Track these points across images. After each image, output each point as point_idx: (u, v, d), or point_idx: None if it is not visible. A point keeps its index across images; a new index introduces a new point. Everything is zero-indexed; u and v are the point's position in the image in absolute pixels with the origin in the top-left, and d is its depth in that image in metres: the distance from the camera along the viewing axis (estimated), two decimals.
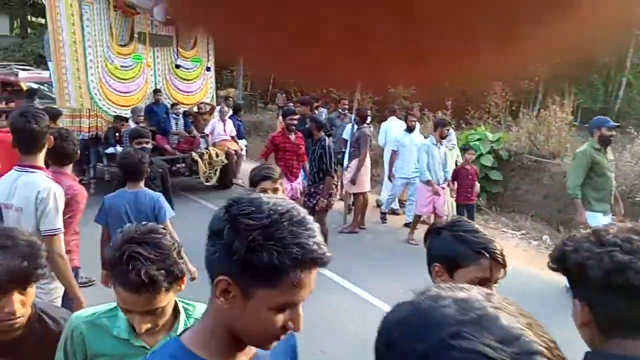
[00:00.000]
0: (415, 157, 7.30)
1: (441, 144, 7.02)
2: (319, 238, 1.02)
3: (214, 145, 9.29)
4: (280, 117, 11.05)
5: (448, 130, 7.17)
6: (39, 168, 2.93)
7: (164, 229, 1.64)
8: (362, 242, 7.20)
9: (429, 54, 0.36)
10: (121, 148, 7.92)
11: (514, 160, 9.50)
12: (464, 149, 7.38)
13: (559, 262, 1.29)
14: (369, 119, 7.94)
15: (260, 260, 0.96)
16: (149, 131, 5.52)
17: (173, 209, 4.11)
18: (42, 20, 24.55)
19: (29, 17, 25.54)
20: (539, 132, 9.75)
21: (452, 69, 0.38)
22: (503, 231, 8.02)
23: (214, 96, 10.48)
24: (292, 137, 6.43)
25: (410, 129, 7.80)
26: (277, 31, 0.35)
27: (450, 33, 0.34)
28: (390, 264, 6.15)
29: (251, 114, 18.90)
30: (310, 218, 1.03)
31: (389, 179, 8.07)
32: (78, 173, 9.38)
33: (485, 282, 1.54)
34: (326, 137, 6.34)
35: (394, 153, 7.89)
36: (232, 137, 9.59)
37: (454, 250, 1.61)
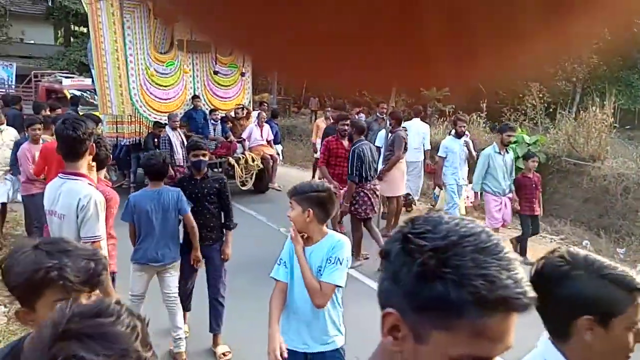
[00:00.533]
0: (465, 163, 7.36)
1: (506, 152, 6.69)
2: (519, 274, 0.78)
3: (250, 150, 9.37)
4: (317, 121, 11.11)
5: (510, 136, 6.70)
6: (82, 175, 2.95)
7: (117, 303, 1.05)
8: None
9: (470, 51, 0.34)
10: None
11: (552, 164, 9.27)
12: (526, 157, 7.02)
13: None
14: (403, 122, 7.90)
15: (432, 291, 0.76)
16: (206, 143, 5.26)
17: (233, 224, 4.33)
18: (85, 29, 25.28)
19: (72, 27, 26.33)
20: (578, 134, 9.49)
21: (492, 67, 0.36)
22: (542, 236, 7.81)
23: (251, 101, 10.58)
24: (345, 143, 6.47)
25: (459, 135, 7.45)
26: (306, 36, 0.34)
27: (490, 28, 0.33)
28: None
29: (285, 118, 19.03)
30: (507, 248, 0.80)
31: (439, 187, 7.81)
32: (120, 178, 9.64)
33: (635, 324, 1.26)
34: (362, 142, 6.17)
35: (442, 160, 7.53)
36: (269, 142, 9.65)
37: (607, 295, 1.24)
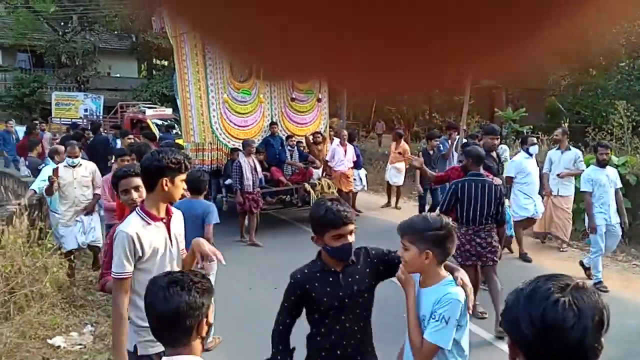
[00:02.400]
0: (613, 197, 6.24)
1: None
2: None
3: (333, 172, 9.11)
4: (393, 144, 10.80)
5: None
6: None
7: None
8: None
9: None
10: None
11: None
12: None
13: None
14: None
15: None
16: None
17: None
18: (165, 63, 26.47)
19: (154, 61, 27.61)
20: None
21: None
22: (634, 264, 7.07)
23: (327, 127, 10.40)
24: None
25: (602, 163, 6.25)
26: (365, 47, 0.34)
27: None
28: None
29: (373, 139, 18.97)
30: None
31: (593, 231, 6.21)
32: None
33: None
34: (474, 178, 4.95)
35: (589, 195, 6.23)
36: (354, 163, 9.36)
37: None
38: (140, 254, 2.60)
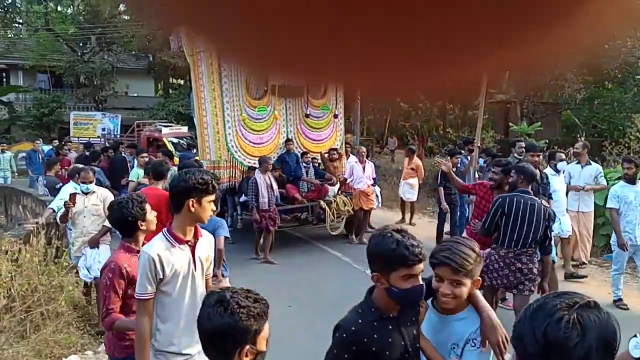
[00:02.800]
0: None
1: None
2: None
3: (352, 191, 8.96)
4: (406, 160, 10.72)
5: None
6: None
7: None
8: None
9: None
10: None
11: None
12: None
13: None
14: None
15: None
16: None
17: None
18: (182, 82, 26.78)
19: (170, 80, 27.96)
20: None
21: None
22: None
23: (343, 143, 10.25)
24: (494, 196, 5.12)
25: (631, 180, 6.01)
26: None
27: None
28: None
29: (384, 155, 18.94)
30: None
31: (623, 247, 5.94)
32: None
33: None
34: (520, 195, 4.58)
35: (615, 212, 6.00)
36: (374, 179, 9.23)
37: None
38: (162, 276, 2.53)
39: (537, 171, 5.09)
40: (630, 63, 15.03)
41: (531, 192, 4.66)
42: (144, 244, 2.89)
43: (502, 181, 5.01)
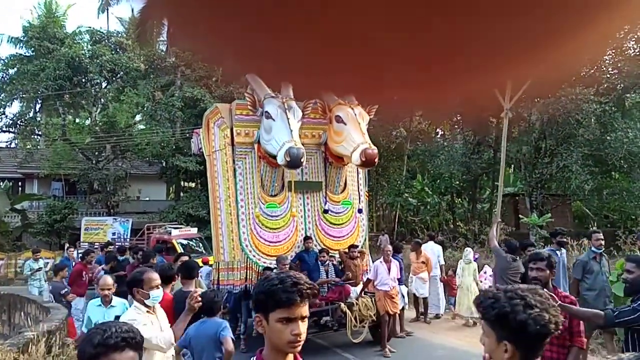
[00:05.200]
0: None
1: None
2: None
3: (375, 292, 7.94)
4: (413, 254, 9.99)
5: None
6: None
7: None
8: None
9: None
10: None
11: None
12: None
13: None
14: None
15: None
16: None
17: None
18: (192, 184, 26.79)
19: (182, 183, 27.96)
20: None
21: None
22: None
23: (366, 239, 9.41)
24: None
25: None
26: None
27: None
28: None
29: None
30: None
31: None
32: (232, 326, 8.78)
33: None
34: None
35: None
36: (398, 280, 8.25)
37: None
38: None
39: None
40: (634, 153, 14.85)
41: None
42: None
43: (549, 280, 3.81)
